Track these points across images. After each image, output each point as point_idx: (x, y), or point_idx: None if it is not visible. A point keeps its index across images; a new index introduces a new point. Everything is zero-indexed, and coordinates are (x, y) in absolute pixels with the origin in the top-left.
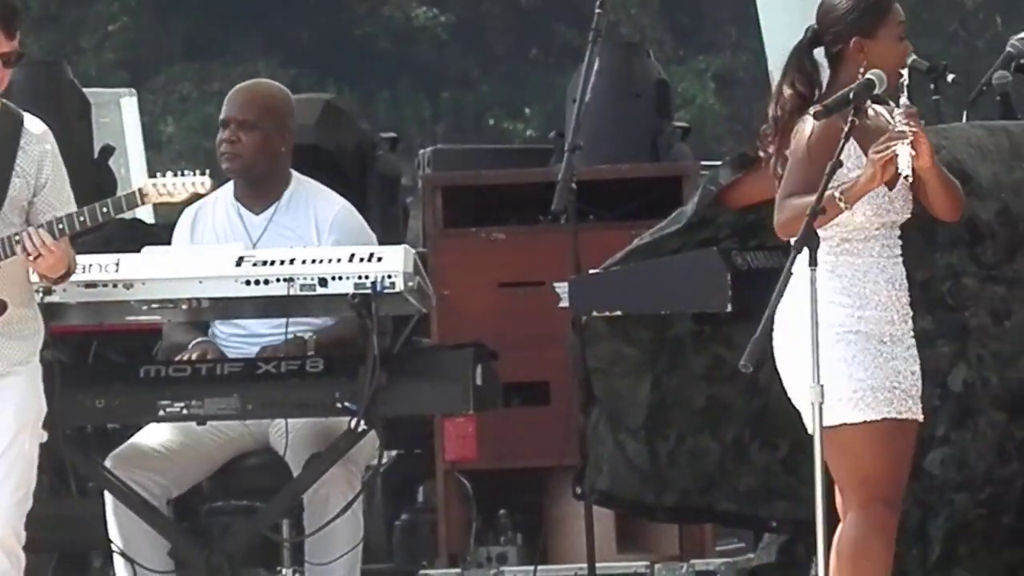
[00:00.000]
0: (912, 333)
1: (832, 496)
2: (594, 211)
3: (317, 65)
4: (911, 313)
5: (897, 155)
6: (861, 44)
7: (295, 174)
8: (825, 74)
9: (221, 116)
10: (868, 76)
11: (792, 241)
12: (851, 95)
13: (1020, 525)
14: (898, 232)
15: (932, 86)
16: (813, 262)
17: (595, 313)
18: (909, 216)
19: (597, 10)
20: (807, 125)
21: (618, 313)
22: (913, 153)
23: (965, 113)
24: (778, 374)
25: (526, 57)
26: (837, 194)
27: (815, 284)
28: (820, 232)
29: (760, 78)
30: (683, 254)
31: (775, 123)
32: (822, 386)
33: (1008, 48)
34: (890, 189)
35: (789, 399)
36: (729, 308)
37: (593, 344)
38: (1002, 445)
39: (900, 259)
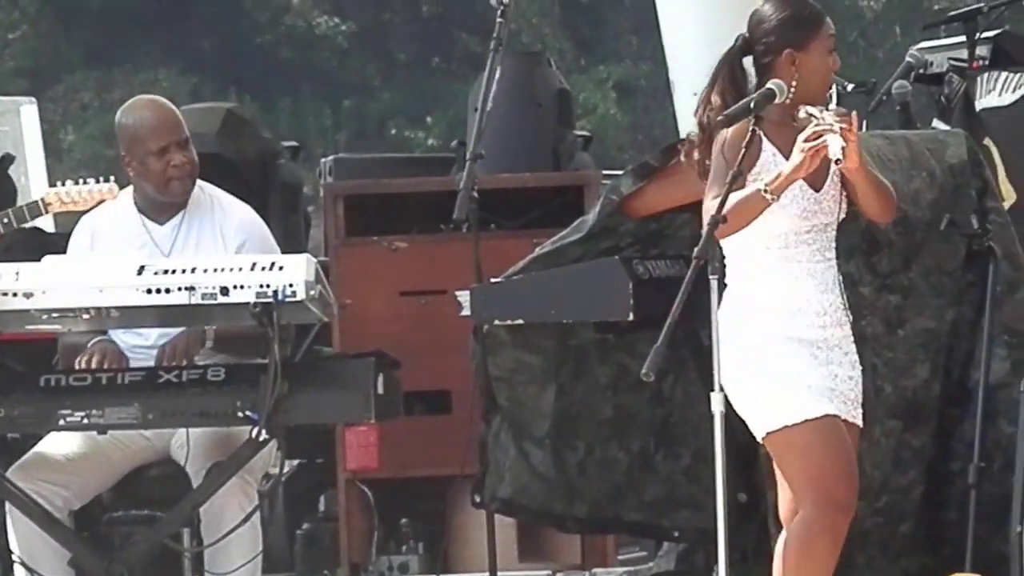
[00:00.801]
0: (851, 338)
1: (733, 504)
2: (496, 220)
3: (218, 73)
4: (849, 318)
5: (827, 143)
6: (793, 56)
7: (198, 181)
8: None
9: (158, 145)
10: (768, 86)
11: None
12: (752, 104)
13: (918, 533)
14: (832, 235)
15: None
16: (714, 271)
17: (497, 322)
18: (843, 217)
19: (498, 19)
20: (727, 133)
21: (520, 322)
22: (844, 144)
23: (865, 123)
24: (682, 383)
25: (428, 66)
26: (762, 187)
27: (716, 293)
28: (750, 238)
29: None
30: (585, 263)
31: (701, 130)
32: (725, 394)
33: (907, 58)
34: (816, 191)
35: (693, 408)
36: (631, 317)
37: (496, 353)
38: (898, 453)
39: (833, 262)
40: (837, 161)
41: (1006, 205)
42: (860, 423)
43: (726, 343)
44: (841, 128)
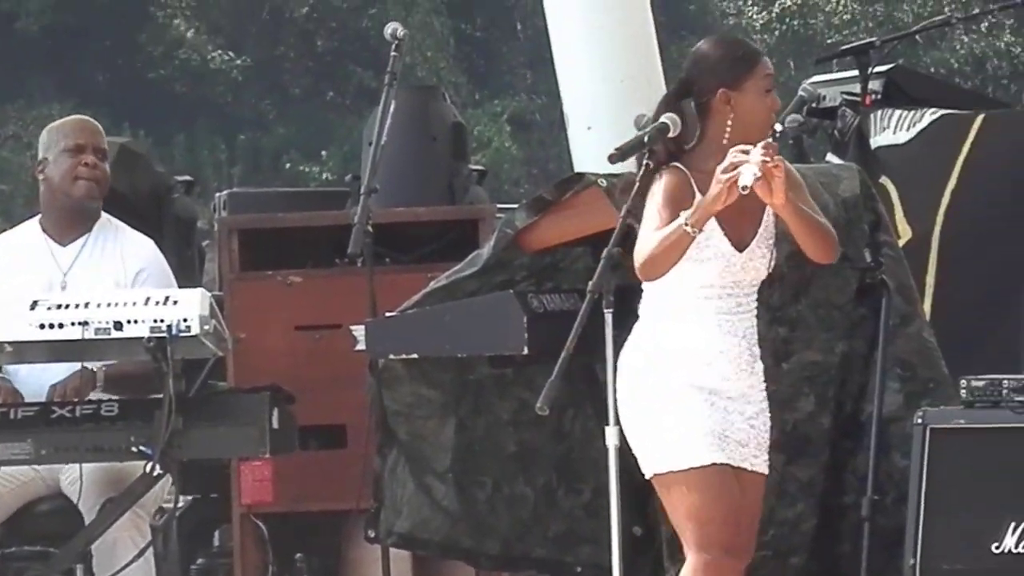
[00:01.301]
0: (760, 386)
1: (628, 538)
2: (390, 254)
3: (112, 108)
4: (759, 366)
5: (740, 172)
6: (727, 96)
7: (103, 212)
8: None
9: (75, 142)
10: (662, 120)
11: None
12: (645, 139)
13: (811, 566)
14: (753, 289)
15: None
16: (608, 305)
17: (392, 356)
18: (766, 275)
19: (393, 53)
20: (665, 177)
21: (415, 356)
22: (757, 174)
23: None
24: (580, 418)
25: (322, 100)
26: (684, 220)
27: (610, 327)
28: (670, 281)
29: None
30: (479, 297)
31: (644, 169)
32: (619, 428)
33: (800, 92)
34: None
35: (592, 443)
36: (525, 351)
37: (393, 387)
38: (783, 487)
39: (751, 313)
40: (744, 188)
41: (901, 242)
42: (761, 470)
43: (628, 377)
44: (763, 161)
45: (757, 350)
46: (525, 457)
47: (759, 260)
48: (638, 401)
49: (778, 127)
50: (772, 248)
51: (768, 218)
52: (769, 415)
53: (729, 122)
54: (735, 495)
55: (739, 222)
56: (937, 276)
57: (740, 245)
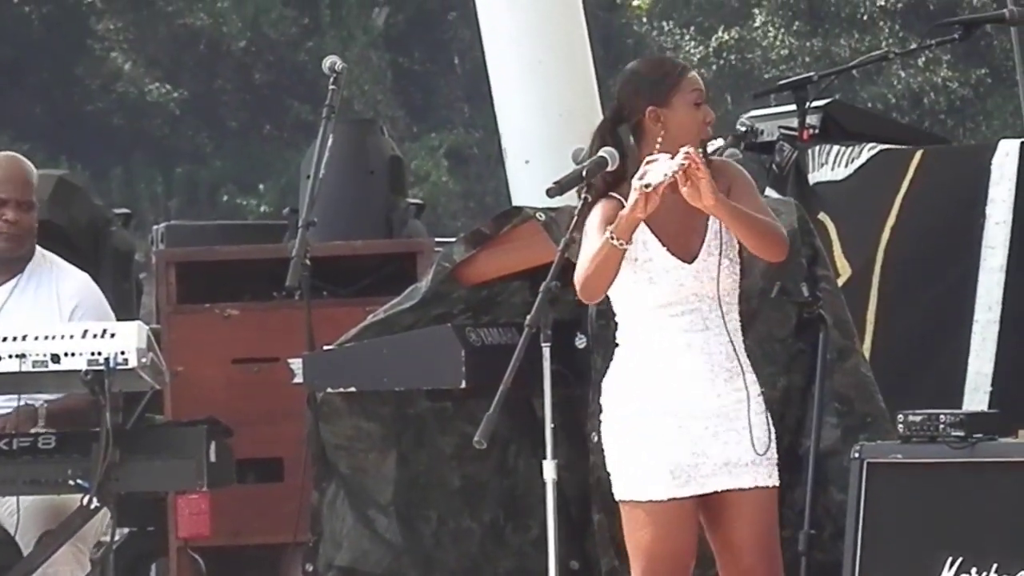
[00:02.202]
0: (751, 400)
1: (566, 573)
2: (328, 287)
3: (50, 140)
4: (747, 381)
5: (647, 172)
6: (657, 113)
7: (37, 247)
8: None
9: None
10: (600, 154)
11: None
12: (583, 172)
13: None
14: (715, 304)
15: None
16: (546, 339)
17: (329, 389)
18: (736, 287)
19: (331, 86)
20: (600, 205)
21: (352, 389)
22: (668, 174)
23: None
24: (524, 454)
25: (260, 133)
26: (609, 234)
27: (547, 362)
28: (630, 307)
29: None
30: (417, 330)
31: (583, 203)
32: (556, 461)
33: (738, 126)
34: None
35: (537, 479)
36: (463, 384)
37: (332, 421)
38: None
39: (720, 331)
40: (647, 186)
41: (841, 279)
42: (756, 484)
43: (604, 403)
44: (681, 164)
45: (739, 364)
46: (470, 492)
47: (709, 273)
48: (612, 423)
49: (719, 142)
50: (732, 258)
51: (713, 226)
52: (769, 427)
53: (659, 139)
54: (686, 530)
55: (683, 235)
56: (877, 312)
57: (687, 257)
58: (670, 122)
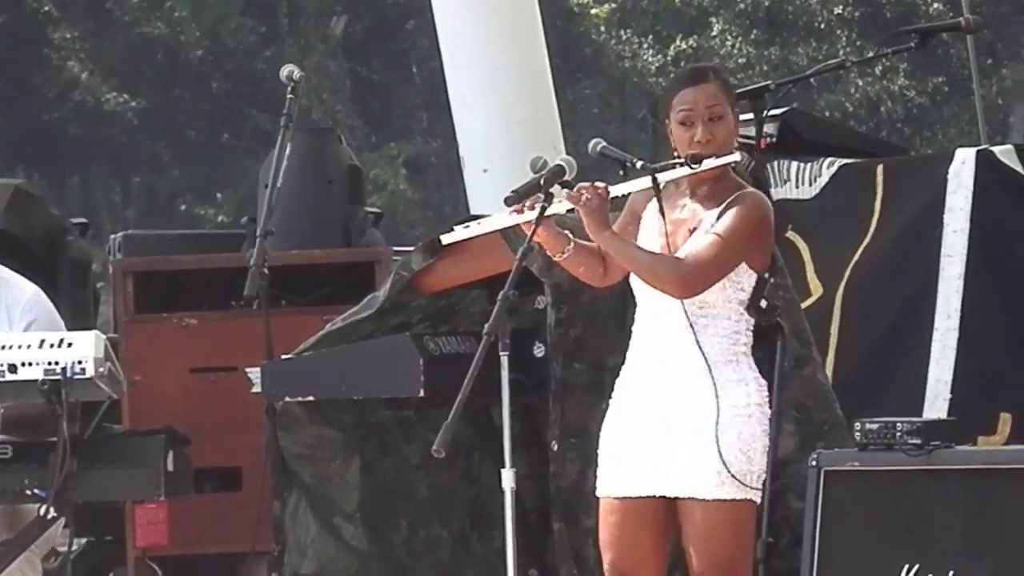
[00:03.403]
0: (701, 410)
1: None
2: (286, 296)
3: (6, 150)
4: (693, 396)
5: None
6: (667, 121)
7: None
8: None
9: None
10: (558, 162)
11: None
12: (541, 181)
13: None
14: (681, 311)
15: (621, 172)
16: (504, 348)
17: (288, 398)
18: (705, 300)
19: (289, 95)
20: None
21: (311, 398)
22: (560, 212)
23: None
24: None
25: (217, 142)
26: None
27: (506, 370)
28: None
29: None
30: (376, 339)
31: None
32: (514, 470)
33: None
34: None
35: (500, 488)
36: (422, 393)
37: (293, 430)
38: None
39: (686, 339)
40: (543, 210)
41: (812, 299)
42: (696, 495)
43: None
44: (569, 192)
45: (711, 377)
46: (439, 500)
47: None
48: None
49: (733, 157)
50: None
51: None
52: (719, 442)
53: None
54: (634, 526)
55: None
56: (841, 325)
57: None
58: (671, 132)
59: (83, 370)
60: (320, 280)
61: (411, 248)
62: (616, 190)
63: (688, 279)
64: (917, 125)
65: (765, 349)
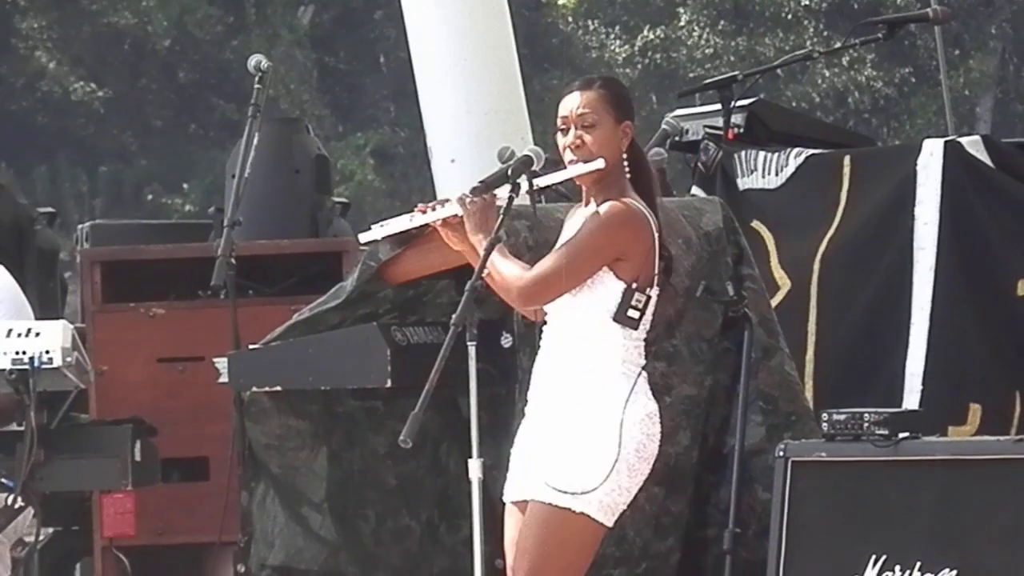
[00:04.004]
0: (552, 420)
1: (492, 571)
2: (254, 286)
3: None
4: (551, 400)
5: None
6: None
7: None
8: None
9: None
10: (526, 152)
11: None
12: (509, 171)
13: None
14: (562, 319)
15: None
16: (472, 338)
17: (255, 388)
18: (573, 314)
19: (256, 85)
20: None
21: (278, 388)
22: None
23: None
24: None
25: (184, 132)
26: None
27: (473, 361)
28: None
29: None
30: (343, 329)
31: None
32: (482, 460)
33: (663, 125)
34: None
35: (466, 478)
36: (389, 383)
37: (260, 420)
38: (659, 520)
39: (565, 345)
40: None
41: (781, 293)
42: (524, 496)
43: None
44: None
45: (567, 389)
46: (407, 490)
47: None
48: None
49: (582, 167)
50: (577, 289)
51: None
52: (555, 449)
53: None
54: (512, 533)
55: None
56: (818, 323)
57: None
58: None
59: (51, 360)
60: (287, 270)
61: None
62: (501, 192)
63: (523, 291)
64: (884, 116)
65: (732, 339)
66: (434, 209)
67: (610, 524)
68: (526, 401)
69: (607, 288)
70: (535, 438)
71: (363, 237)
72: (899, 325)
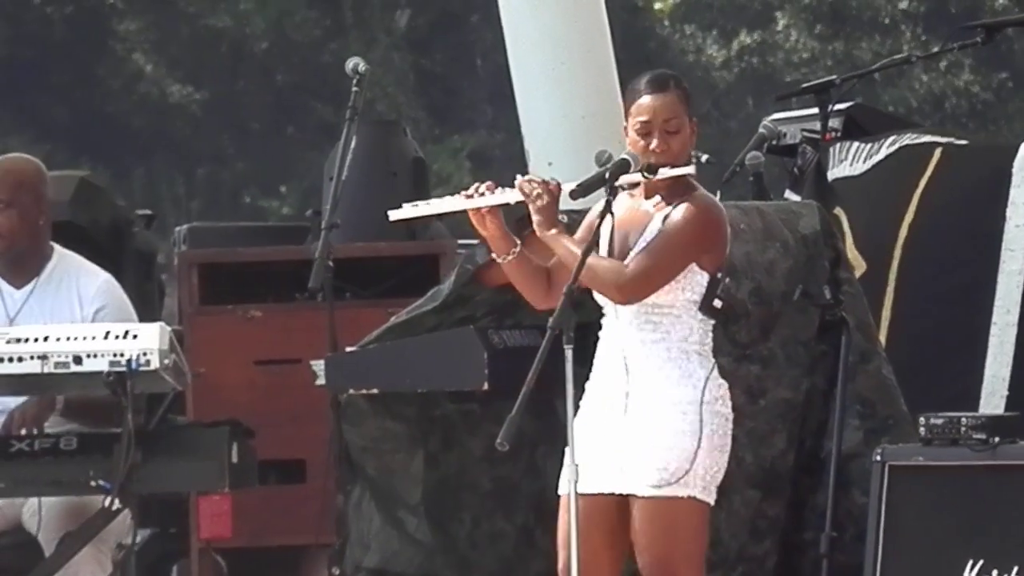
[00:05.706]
0: (629, 417)
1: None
2: (351, 289)
3: (71, 142)
4: (636, 390)
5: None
6: (625, 128)
7: (57, 248)
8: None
9: None
10: (623, 156)
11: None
12: (606, 174)
13: None
14: (616, 316)
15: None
16: (568, 341)
17: (352, 391)
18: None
19: (354, 88)
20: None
21: (375, 391)
22: (510, 201)
23: (719, 193)
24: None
25: (282, 134)
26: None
27: (570, 364)
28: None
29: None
30: (440, 332)
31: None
32: (577, 465)
33: (760, 129)
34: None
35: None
36: (486, 386)
37: (357, 422)
38: (755, 523)
39: (619, 345)
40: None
41: (856, 274)
42: (636, 492)
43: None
44: (520, 183)
45: (627, 381)
46: (503, 494)
47: None
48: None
49: (688, 169)
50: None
51: (646, 235)
52: (656, 438)
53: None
54: (593, 526)
55: (622, 244)
56: (893, 311)
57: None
58: (627, 134)
59: (148, 362)
60: (385, 273)
61: (476, 241)
62: (568, 187)
63: (627, 286)
64: (981, 120)
65: (830, 343)
66: (482, 194)
67: (712, 502)
68: (583, 390)
69: (692, 279)
70: (613, 429)
71: (392, 216)
72: (979, 326)
